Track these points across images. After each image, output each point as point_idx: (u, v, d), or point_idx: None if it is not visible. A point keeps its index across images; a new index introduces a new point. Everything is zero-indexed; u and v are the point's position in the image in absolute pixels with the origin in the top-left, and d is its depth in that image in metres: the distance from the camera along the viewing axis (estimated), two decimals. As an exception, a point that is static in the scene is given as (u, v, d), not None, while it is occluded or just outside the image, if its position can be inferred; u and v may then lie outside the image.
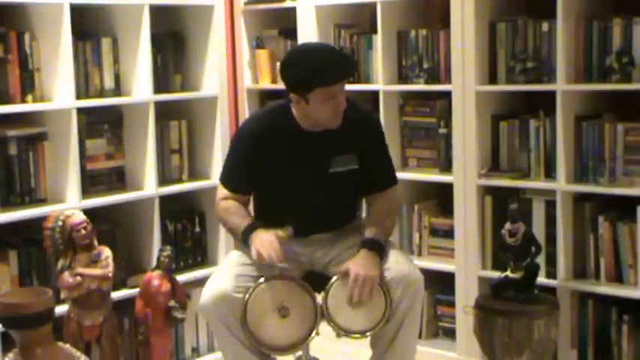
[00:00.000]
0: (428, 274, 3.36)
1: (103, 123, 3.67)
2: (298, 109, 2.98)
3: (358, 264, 2.90)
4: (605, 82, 3.38)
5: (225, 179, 3.12)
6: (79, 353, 2.76)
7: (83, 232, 3.13)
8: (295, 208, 3.07)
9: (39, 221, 3.20)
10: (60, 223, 3.13)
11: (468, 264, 3.71)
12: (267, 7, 4.29)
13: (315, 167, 3.03)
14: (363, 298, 2.88)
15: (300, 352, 3.02)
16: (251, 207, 3.23)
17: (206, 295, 2.93)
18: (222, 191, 3.10)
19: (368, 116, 3.16)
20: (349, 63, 3.05)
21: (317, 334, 2.94)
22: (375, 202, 3.13)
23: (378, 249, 2.97)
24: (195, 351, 3.93)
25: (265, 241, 2.89)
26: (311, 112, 2.95)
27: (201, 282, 3.36)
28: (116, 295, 3.44)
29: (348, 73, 2.98)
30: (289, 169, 3.03)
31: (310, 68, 2.88)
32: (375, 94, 3.94)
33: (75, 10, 3.42)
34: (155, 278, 3.37)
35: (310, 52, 3.01)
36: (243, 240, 2.98)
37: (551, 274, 3.53)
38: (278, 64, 4.17)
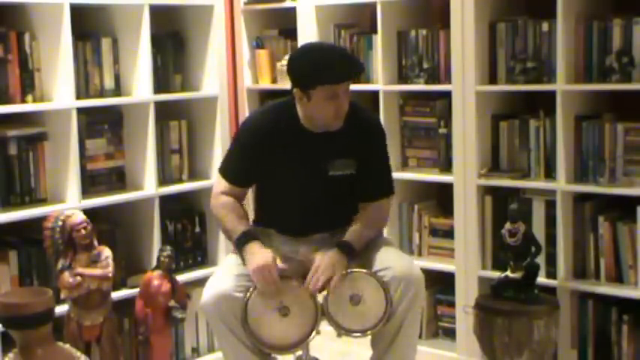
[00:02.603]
0: (428, 274, 3.35)
1: (103, 123, 3.67)
2: (301, 106, 2.98)
3: (325, 255, 2.94)
4: (605, 82, 3.38)
5: (225, 170, 3.11)
6: (79, 353, 2.76)
7: (83, 232, 3.13)
8: (294, 207, 3.07)
9: (39, 221, 3.20)
10: (60, 223, 3.13)
11: (468, 264, 3.71)
12: (267, 7, 4.29)
13: (313, 168, 3.02)
14: (317, 287, 2.90)
15: (300, 352, 3.02)
16: (251, 208, 3.24)
17: (207, 294, 2.93)
18: (221, 183, 3.10)
19: (371, 122, 3.15)
20: (356, 66, 3.02)
21: (317, 333, 2.94)
22: (364, 210, 3.11)
23: (347, 253, 2.98)
24: (195, 351, 3.93)
25: (262, 266, 2.87)
26: (312, 110, 2.95)
27: (201, 282, 3.36)
28: (116, 295, 3.44)
29: (351, 75, 2.95)
30: (288, 167, 3.03)
31: (315, 65, 2.89)
32: (375, 94, 3.94)
33: (75, 10, 3.42)
34: (155, 278, 3.37)
35: (319, 49, 3.04)
36: (237, 247, 2.98)
37: (551, 274, 3.53)
38: (278, 64, 4.21)
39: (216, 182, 3.14)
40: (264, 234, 3.09)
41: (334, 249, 2.98)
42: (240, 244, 2.96)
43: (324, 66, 2.88)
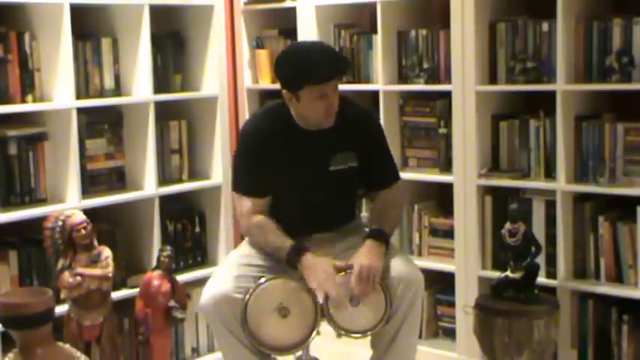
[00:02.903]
0: (428, 274, 3.35)
1: (103, 123, 3.67)
2: (291, 106, 2.99)
3: (362, 255, 2.91)
4: (605, 82, 3.38)
5: (240, 186, 3.07)
6: (79, 353, 2.76)
7: (83, 232, 3.13)
8: (296, 208, 3.07)
9: (39, 221, 3.20)
10: (60, 223, 3.14)
11: (468, 264, 3.71)
12: (267, 7, 4.29)
13: (314, 165, 3.03)
14: (367, 291, 2.88)
15: (300, 352, 3.02)
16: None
17: (206, 295, 2.93)
18: (243, 202, 3.04)
19: (366, 114, 3.16)
20: (342, 63, 3.02)
21: (317, 333, 2.94)
22: (379, 198, 3.15)
23: (383, 239, 2.97)
24: (195, 351, 3.93)
25: (322, 275, 2.87)
26: (303, 109, 2.96)
27: (201, 282, 3.36)
28: (116, 295, 3.44)
29: (338, 73, 2.96)
30: (289, 167, 3.03)
31: (301, 66, 2.89)
32: (375, 94, 3.94)
33: (75, 10, 3.42)
34: (155, 278, 3.37)
35: (304, 49, 3.03)
36: (288, 263, 2.95)
37: (551, 274, 3.53)
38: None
39: (237, 203, 3.09)
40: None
41: (367, 242, 2.96)
42: (292, 260, 2.92)
43: (311, 66, 2.87)
